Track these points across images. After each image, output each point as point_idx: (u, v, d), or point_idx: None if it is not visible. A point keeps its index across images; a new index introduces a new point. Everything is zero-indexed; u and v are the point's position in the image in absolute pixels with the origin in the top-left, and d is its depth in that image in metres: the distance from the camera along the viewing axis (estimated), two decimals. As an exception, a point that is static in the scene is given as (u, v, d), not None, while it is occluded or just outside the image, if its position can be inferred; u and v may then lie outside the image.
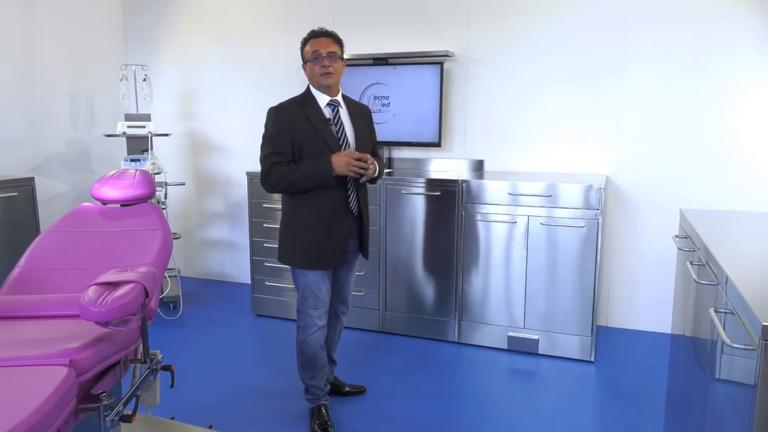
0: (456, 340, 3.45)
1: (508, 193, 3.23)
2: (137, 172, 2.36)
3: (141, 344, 1.89)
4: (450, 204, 3.36)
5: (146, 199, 2.34)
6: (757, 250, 1.64)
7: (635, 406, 2.72)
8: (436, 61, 3.73)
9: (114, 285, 1.60)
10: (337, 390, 2.80)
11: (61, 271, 2.10)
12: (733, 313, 1.29)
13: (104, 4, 4.65)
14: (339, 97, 2.45)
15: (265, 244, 3.83)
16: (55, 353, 1.53)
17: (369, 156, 2.35)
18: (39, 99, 4.14)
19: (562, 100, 3.63)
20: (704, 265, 1.67)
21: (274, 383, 2.96)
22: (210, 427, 2.41)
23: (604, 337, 3.53)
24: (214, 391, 2.86)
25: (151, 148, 3.94)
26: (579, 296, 3.15)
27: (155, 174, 3.80)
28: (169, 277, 3.99)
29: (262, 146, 2.36)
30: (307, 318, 2.44)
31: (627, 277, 3.66)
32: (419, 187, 3.43)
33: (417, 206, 3.44)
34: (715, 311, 1.39)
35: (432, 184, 3.40)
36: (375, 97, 3.88)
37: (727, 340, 1.21)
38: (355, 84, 3.88)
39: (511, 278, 3.28)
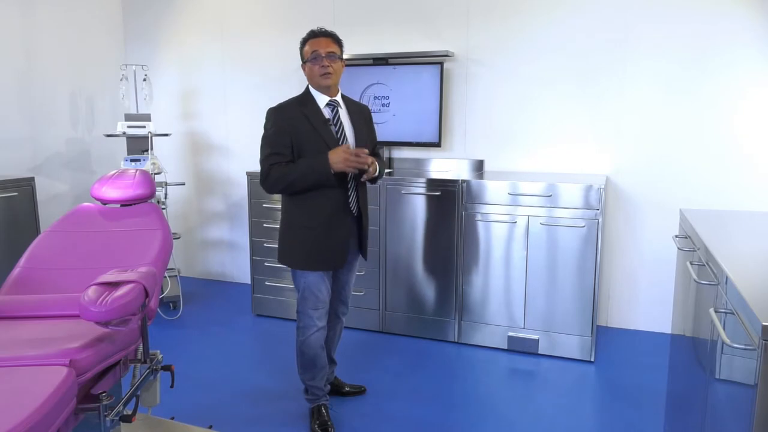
0: (456, 340, 3.45)
1: (508, 193, 3.23)
2: (137, 172, 2.36)
3: (141, 344, 1.89)
4: (450, 204, 3.36)
5: (146, 199, 2.34)
6: (757, 250, 1.64)
7: (635, 406, 2.72)
8: (436, 61, 3.73)
9: (114, 285, 1.60)
10: (337, 390, 2.80)
11: (61, 271, 2.10)
12: (733, 313, 1.29)
13: (104, 4, 4.65)
14: (338, 97, 2.44)
15: (265, 244, 3.83)
16: (55, 353, 1.53)
17: (365, 149, 2.33)
18: (39, 99, 4.14)
19: (562, 100, 3.63)
20: (704, 265, 1.67)
21: (274, 383, 2.96)
22: (210, 427, 2.41)
23: (604, 337, 3.54)
24: (214, 391, 2.86)
25: (151, 148, 3.94)
26: (579, 296, 3.15)
27: (155, 174, 3.80)
28: (169, 277, 3.99)
29: (262, 147, 2.36)
30: (307, 319, 2.44)
31: (627, 277, 3.66)
32: (419, 187, 3.43)
33: (417, 206, 3.44)
34: (715, 311, 1.39)
35: (432, 184, 3.40)
36: (375, 97, 3.88)
37: (727, 340, 1.21)
38: (355, 84, 3.88)
39: (511, 278, 3.28)
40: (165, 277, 3.85)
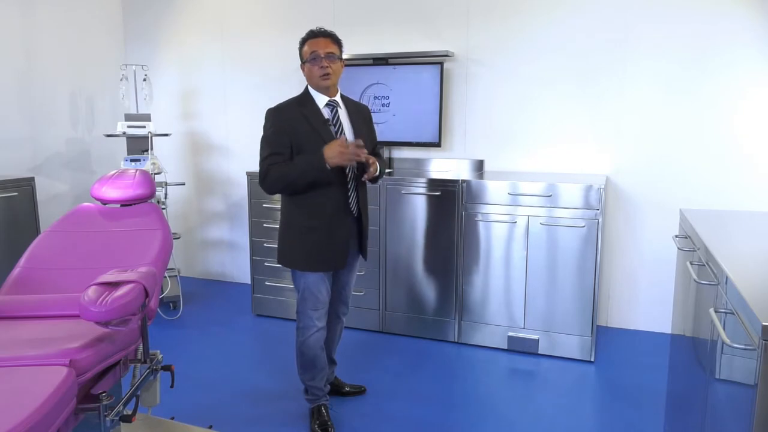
0: (456, 340, 3.45)
1: (508, 193, 3.23)
2: (137, 172, 2.36)
3: (141, 344, 1.89)
4: (450, 204, 3.36)
5: (146, 199, 2.34)
6: (757, 250, 1.64)
7: (635, 406, 2.72)
8: (436, 61, 3.73)
9: (114, 285, 1.60)
10: (337, 390, 2.80)
11: (61, 271, 2.10)
12: (733, 313, 1.29)
13: (104, 4, 4.65)
14: (338, 98, 2.44)
15: (265, 244, 3.83)
16: (55, 353, 1.53)
17: (360, 141, 2.31)
18: (39, 99, 4.14)
19: (562, 100, 3.63)
20: (704, 265, 1.67)
21: (274, 383, 2.96)
22: (210, 427, 2.41)
23: (604, 337, 3.53)
24: (214, 391, 2.86)
25: (151, 148, 3.94)
26: (579, 296, 3.15)
27: (155, 174, 3.80)
28: (169, 277, 3.99)
29: (261, 148, 2.35)
30: (306, 319, 2.44)
31: (627, 277, 3.66)
32: (419, 187, 3.43)
33: (417, 206, 3.44)
34: (715, 311, 1.39)
35: (432, 184, 3.40)
36: (375, 97, 3.88)
37: (727, 340, 1.21)
38: (355, 84, 3.88)
39: (511, 278, 3.28)
40: (165, 277, 3.85)
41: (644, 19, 3.41)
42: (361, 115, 2.53)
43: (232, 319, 3.89)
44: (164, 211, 3.79)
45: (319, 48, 2.31)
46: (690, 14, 3.31)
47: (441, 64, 3.70)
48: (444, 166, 3.93)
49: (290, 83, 4.11)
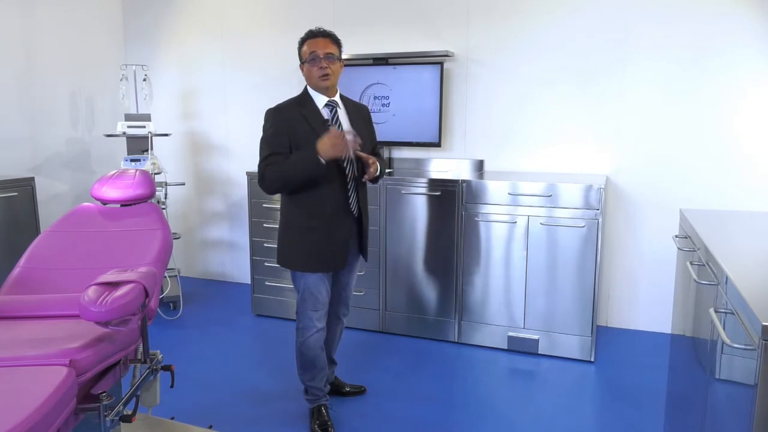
0: (456, 340, 3.45)
1: (508, 193, 3.23)
2: (137, 172, 2.36)
3: (141, 344, 1.89)
4: (450, 204, 3.36)
5: (146, 199, 2.34)
6: (757, 250, 1.64)
7: (635, 406, 2.72)
8: (436, 61, 3.73)
9: (114, 285, 1.60)
10: (337, 390, 2.80)
11: (61, 271, 2.10)
12: (733, 313, 1.29)
13: (104, 4, 4.65)
14: (337, 98, 2.43)
15: (265, 244, 3.83)
16: (55, 353, 1.53)
17: (353, 131, 2.28)
18: (39, 99, 4.14)
19: (562, 100, 3.63)
20: (704, 265, 1.67)
21: (274, 383, 2.96)
22: (210, 427, 2.41)
23: (604, 337, 3.53)
24: (214, 391, 2.86)
25: (151, 148, 3.94)
26: (579, 296, 3.15)
27: (155, 174, 3.80)
28: (169, 277, 3.99)
29: (261, 148, 2.34)
30: (306, 320, 2.44)
31: (627, 277, 3.66)
32: (419, 187, 3.43)
33: (417, 206, 3.44)
34: (715, 311, 1.39)
35: (432, 184, 3.40)
36: (375, 97, 3.88)
37: (727, 340, 1.21)
38: (355, 84, 3.88)
39: (511, 278, 3.28)
40: (165, 277, 3.85)
41: (644, 19, 3.41)
42: (360, 115, 2.52)
43: (232, 319, 3.89)
44: (164, 211, 3.79)
45: (318, 48, 2.31)
46: (690, 14, 3.32)
47: (441, 64, 3.70)
48: (444, 166, 3.93)
49: (290, 83, 4.11)
